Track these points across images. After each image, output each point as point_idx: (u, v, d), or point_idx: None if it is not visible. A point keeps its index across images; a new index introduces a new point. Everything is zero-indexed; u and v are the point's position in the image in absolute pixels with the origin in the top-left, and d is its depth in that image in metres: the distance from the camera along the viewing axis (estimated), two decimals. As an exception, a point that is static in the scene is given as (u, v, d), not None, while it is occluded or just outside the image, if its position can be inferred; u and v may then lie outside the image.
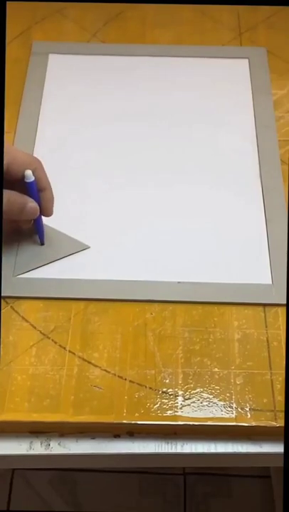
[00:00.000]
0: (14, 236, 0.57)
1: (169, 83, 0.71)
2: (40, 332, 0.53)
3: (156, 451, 0.50)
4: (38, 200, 0.54)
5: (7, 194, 0.52)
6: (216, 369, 0.51)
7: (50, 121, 0.68)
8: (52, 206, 0.56)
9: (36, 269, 0.56)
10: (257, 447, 0.50)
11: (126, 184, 0.63)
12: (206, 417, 0.49)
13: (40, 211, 0.55)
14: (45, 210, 0.56)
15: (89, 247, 0.57)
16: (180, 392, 0.50)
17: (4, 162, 0.50)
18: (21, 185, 0.53)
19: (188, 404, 0.50)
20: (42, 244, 0.58)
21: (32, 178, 0.52)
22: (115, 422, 0.49)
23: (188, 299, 0.55)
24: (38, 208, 0.54)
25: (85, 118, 0.68)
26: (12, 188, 0.53)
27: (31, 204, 0.54)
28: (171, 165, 0.64)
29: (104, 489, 1.13)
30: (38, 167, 0.53)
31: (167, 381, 0.51)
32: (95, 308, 0.55)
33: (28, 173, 0.52)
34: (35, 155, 0.64)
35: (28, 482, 1.14)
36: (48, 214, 0.56)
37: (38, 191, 0.54)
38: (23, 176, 0.52)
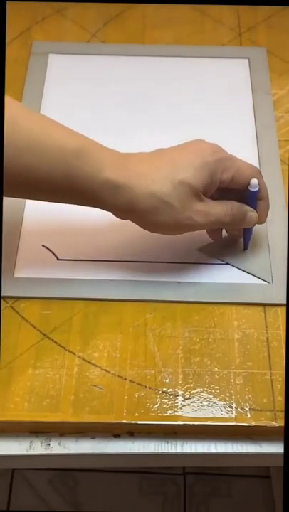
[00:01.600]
0: (219, 238, 0.57)
1: (169, 83, 0.71)
2: (40, 332, 0.53)
3: (156, 451, 0.50)
4: (256, 209, 0.54)
5: (230, 205, 0.52)
6: (216, 369, 0.51)
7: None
8: (266, 215, 0.55)
9: (36, 270, 0.56)
10: (257, 447, 0.50)
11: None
12: (206, 417, 0.49)
13: None
14: (260, 218, 0.55)
15: (268, 283, 0.56)
16: (180, 392, 0.50)
17: (230, 173, 0.51)
18: (239, 194, 0.53)
19: (188, 404, 0.50)
20: (245, 249, 0.57)
21: (257, 188, 0.52)
22: (115, 421, 0.49)
23: (188, 299, 0.55)
24: (257, 217, 0.54)
25: (85, 118, 0.68)
26: (226, 194, 0.53)
27: (251, 213, 0.53)
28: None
29: (104, 489, 1.13)
30: (259, 177, 0.53)
31: (167, 381, 0.51)
32: (95, 308, 0.55)
33: (255, 182, 0.52)
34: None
35: (28, 482, 1.14)
36: (262, 222, 0.55)
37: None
38: (246, 185, 0.52)
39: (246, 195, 0.53)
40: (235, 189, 0.53)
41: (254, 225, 0.55)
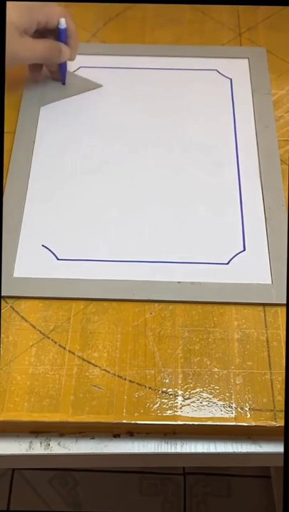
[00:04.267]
0: (39, 78, 0.69)
1: (169, 83, 0.71)
2: (40, 332, 0.53)
3: (156, 450, 0.50)
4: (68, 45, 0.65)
5: (47, 42, 0.64)
6: (216, 369, 0.52)
7: (50, 121, 0.68)
8: (76, 52, 0.67)
9: (36, 270, 0.56)
10: (257, 447, 0.50)
11: (127, 183, 0.63)
12: (205, 417, 0.49)
13: None
14: (71, 53, 0.67)
15: (101, 86, 0.70)
16: (180, 392, 0.50)
17: (45, 15, 0.62)
18: (53, 34, 0.64)
19: (188, 404, 0.50)
20: (63, 83, 0.70)
21: (65, 26, 0.63)
22: (115, 421, 0.49)
23: (188, 298, 0.55)
24: (69, 51, 0.65)
25: (85, 117, 0.68)
26: (43, 37, 0.64)
27: (65, 48, 0.65)
28: (170, 165, 0.64)
29: (104, 489, 1.13)
30: (68, 17, 0.64)
31: (167, 381, 0.51)
32: (94, 308, 0.55)
33: (62, 20, 0.63)
34: (34, 153, 0.64)
35: (28, 482, 1.14)
36: (73, 58, 0.67)
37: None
38: (57, 25, 0.63)
39: (58, 34, 0.64)
40: (50, 32, 0.64)
41: (67, 60, 0.66)
